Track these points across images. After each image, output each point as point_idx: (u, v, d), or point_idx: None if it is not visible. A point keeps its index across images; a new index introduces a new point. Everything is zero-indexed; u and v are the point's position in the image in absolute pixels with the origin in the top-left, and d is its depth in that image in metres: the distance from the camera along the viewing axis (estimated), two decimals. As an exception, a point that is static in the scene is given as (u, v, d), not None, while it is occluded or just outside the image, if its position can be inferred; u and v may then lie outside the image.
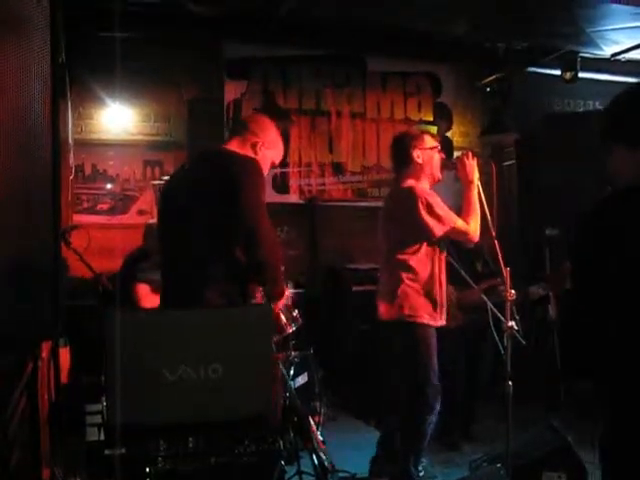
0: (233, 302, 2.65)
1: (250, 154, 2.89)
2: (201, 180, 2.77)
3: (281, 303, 2.92)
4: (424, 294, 3.48)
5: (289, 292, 2.97)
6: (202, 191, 2.73)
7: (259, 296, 2.80)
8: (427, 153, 3.59)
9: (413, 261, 3.47)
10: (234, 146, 2.91)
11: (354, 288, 5.59)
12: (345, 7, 5.05)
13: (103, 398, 3.37)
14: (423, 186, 3.56)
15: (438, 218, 3.42)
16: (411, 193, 3.47)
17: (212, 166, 2.81)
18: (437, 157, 3.62)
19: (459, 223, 3.49)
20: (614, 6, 4.60)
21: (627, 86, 1.85)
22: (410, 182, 3.55)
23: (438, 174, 3.65)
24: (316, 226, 6.15)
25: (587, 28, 5.13)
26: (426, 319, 3.47)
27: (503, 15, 5.05)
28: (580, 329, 1.69)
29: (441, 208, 3.45)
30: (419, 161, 3.57)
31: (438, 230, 3.43)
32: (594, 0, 4.59)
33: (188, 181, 2.86)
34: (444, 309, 3.57)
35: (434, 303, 3.50)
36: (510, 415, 3.28)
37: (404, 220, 3.48)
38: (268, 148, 2.97)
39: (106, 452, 2.05)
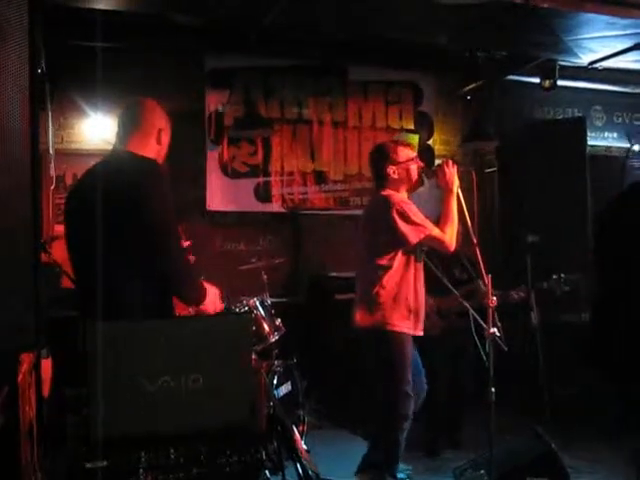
0: (154, 313, 2.53)
1: (154, 147, 2.80)
2: (104, 188, 2.60)
3: (212, 304, 2.69)
4: (400, 302, 3.50)
5: (216, 290, 2.75)
6: (105, 200, 2.56)
7: (180, 305, 2.71)
8: (402, 166, 3.62)
9: (389, 269, 3.49)
10: (136, 146, 2.78)
11: (337, 296, 5.57)
12: (327, 19, 5.07)
13: (84, 410, 3.35)
14: (401, 195, 3.60)
15: (414, 225, 3.45)
16: (387, 200, 3.52)
17: (113, 174, 2.67)
18: (414, 167, 3.65)
19: (435, 231, 3.51)
20: (590, 15, 4.66)
21: None
22: (388, 191, 3.60)
23: (417, 180, 3.69)
24: (299, 235, 6.15)
25: (564, 37, 5.20)
26: (401, 327, 3.49)
27: (483, 26, 5.09)
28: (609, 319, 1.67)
29: (417, 216, 3.48)
30: (395, 177, 3.62)
31: (413, 237, 3.46)
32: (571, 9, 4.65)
33: (92, 188, 2.65)
34: (420, 318, 3.59)
35: (409, 311, 3.52)
36: (493, 421, 3.29)
37: (380, 227, 3.51)
38: (166, 132, 2.86)
39: (87, 465, 2.03)
